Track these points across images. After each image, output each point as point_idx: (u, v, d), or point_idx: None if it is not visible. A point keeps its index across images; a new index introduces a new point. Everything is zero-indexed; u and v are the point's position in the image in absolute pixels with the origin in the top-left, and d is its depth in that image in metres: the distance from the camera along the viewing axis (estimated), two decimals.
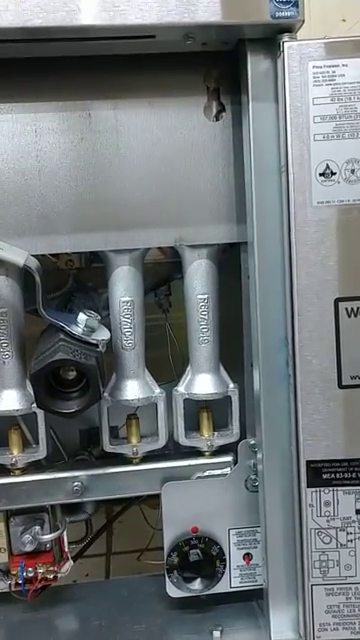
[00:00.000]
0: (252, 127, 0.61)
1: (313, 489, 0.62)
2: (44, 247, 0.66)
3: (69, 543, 0.78)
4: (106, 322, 0.70)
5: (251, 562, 0.73)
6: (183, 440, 0.72)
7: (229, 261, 0.71)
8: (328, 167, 0.58)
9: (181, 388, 0.72)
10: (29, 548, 0.72)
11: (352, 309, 0.60)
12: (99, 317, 0.66)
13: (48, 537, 0.72)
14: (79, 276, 0.77)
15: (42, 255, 0.67)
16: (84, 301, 0.76)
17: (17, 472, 0.71)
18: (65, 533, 0.76)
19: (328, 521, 0.62)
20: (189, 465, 0.73)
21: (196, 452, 0.74)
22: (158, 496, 0.72)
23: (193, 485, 0.72)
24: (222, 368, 0.73)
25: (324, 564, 0.62)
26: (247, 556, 0.73)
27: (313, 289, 0.60)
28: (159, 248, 0.73)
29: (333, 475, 0.61)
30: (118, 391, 0.71)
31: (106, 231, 0.67)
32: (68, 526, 0.77)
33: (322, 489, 0.62)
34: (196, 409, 0.74)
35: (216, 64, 0.65)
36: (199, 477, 0.72)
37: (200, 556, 0.71)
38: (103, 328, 0.67)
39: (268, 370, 0.65)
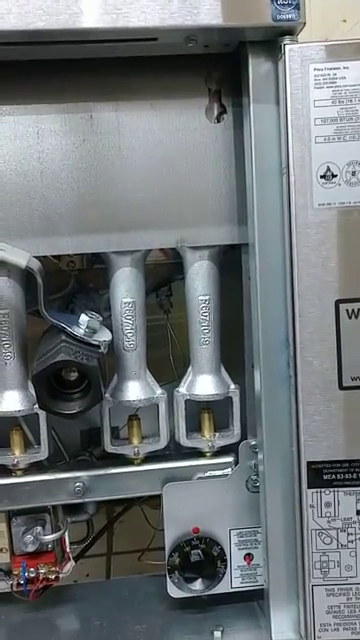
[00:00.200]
0: (253, 129, 0.61)
1: (314, 490, 0.62)
2: (46, 249, 0.67)
3: (70, 543, 0.79)
4: (107, 323, 0.70)
5: (252, 562, 0.73)
6: (184, 441, 0.73)
7: (230, 262, 0.72)
8: (329, 169, 0.58)
9: (182, 389, 0.72)
10: (31, 548, 0.72)
11: (353, 310, 0.61)
12: (101, 318, 0.66)
13: (50, 537, 0.72)
14: (80, 277, 0.77)
15: (44, 256, 0.67)
16: (85, 302, 0.76)
17: (19, 473, 0.71)
18: (67, 533, 0.76)
19: (329, 522, 0.62)
20: (190, 466, 0.73)
21: (197, 453, 0.74)
22: (159, 496, 0.72)
23: (194, 486, 0.72)
24: (223, 369, 0.73)
25: (325, 565, 0.63)
26: (248, 556, 0.73)
27: (314, 291, 0.60)
28: (160, 249, 0.73)
29: (334, 476, 0.62)
30: (119, 392, 0.71)
31: (108, 232, 0.67)
32: (69, 526, 0.77)
33: (323, 490, 0.62)
34: (197, 410, 0.74)
35: (217, 66, 0.65)
36: (200, 478, 0.72)
37: (201, 556, 0.71)
38: (105, 329, 0.68)
39: (269, 371, 0.65)
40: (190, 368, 0.73)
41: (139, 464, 0.73)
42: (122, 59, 0.63)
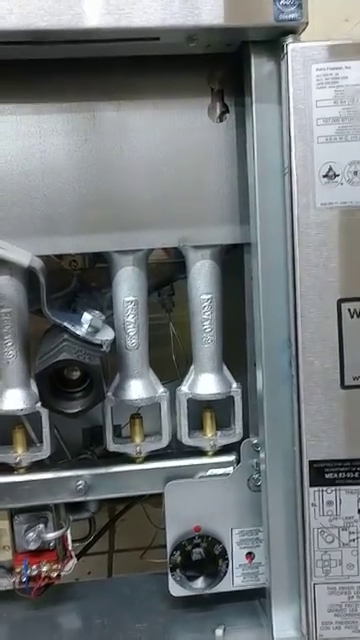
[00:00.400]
0: (255, 129, 0.61)
1: (316, 488, 0.62)
2: (48, 248, 0.67)
3: (72, 541, 0.79)
4: (110, 322, 0.70)
5: (253, 561, 0.73)
6: (186, 440, 0.73)
7: (231, 261, 0.72)
8: (331, 169, 0.58)
9: (184, 388, 0.72)
10: (33, 546, 0.72)
11: (355, 310, 0.61)
12: (103, 317, 0.67)
13: (52, 535, 0.73)
14: (83, 276, 0.78)
15: (46, 256, 0.67)
16: (88, 301, 0.76)
17: (21, 471, 0.71)
18: (69, 531, 0.76)
19: (330, 520, 0.62)
20: (192, 464, 0.73)
21: (199, 451, 0.74)
22: (161, 495, 0.72)
23: (196, 484, 0.72)
24: (225, 368, 0.73)
25: (326, 563, 0.63)
26: (249, 555, 0.73)
27: (316, 290, 0.60)
28: (163, 248, 0.73)
29: (336, 475, 0.62)
30: (122, 391, 0.71)
31: (110, 232, 0.67)
32: (71, 524, 0.77)
33: (325, 489, 0.62)
34: (199, 408, 0.74)
35: (220, 65, 0.65)
36: (202, 476, 0.73)
37: (203, 555, 0.71)
38: (107, 328, 0.68)
39: (271, 370, 0.65)
40: (192, 367, 0.73)
41: (141, 462, 0.73)
42: (124, 58, 0.63)
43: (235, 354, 0.73)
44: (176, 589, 0.73)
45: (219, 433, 0.74)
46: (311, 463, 0.62)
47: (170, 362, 0.81)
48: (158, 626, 0.73)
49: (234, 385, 0.73)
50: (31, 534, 0.72)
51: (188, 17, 0.56)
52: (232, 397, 0.73)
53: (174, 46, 0.60)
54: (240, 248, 0.70)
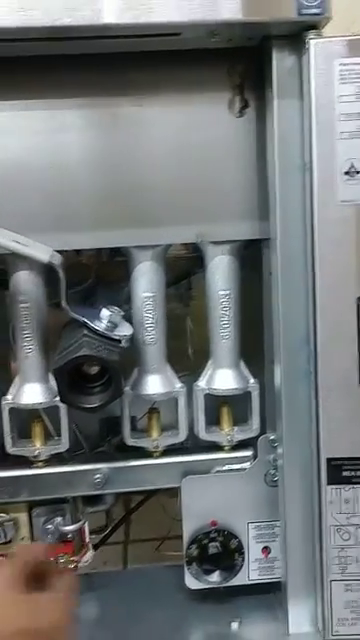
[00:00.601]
0: (276, 124, 0.61)
1: (333, 486, 0.62)
2: (66, 243, 0.67)
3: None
4: (127, 315, 0.70)
5: (269, 555, 0.73)
6: (203, 435, 0.73)
7: (249, 256, 0.71)
8: (353, 166, 0.58)
9: (202, 383, 0.73)
10: (51, 539, 0.73)
11: None
12: (122, 312, 0.67)
13: (70, 529, 0.73)
14: (100, 270, 0.78)
15: (65, 250, 0.67)
16: (105, 295, 0.77)
17: (39, 464, 0.72)
18: (86, 524, 0.77)
19: (348, 518, 0.62)
20: (209, 459, 0.73)
21: (215, 446, 0.74)
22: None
23: (212, 479, 0.72)
24: (243, 363, 0.73)
25: (343, 560, 0.63)
26: (265, 549, 0.73)
27: (335, 288, 0.60)
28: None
29: (353, 472, 0.62)
30: (140, 385, 0.71)
31: (129, 227, 0.67)
32: (87, 515, 0.78)
33: (342, 486, 0.62)
34: (216, 403, 0.75)
35: (240, 59, 0.64)
36: (219, 471, 0.73)
37: (219, 549, 0.72)
38: (125, 323, 0.68)
39: (289, 367, 0.65)
40: (210, 362, 0.73)
41: (158, 457, 0.73)
42: (143, 53, 0.63)
43: (250, 347, 0.73)
44: (192, 582, 0.73)
45: (236, 428, 0.74)
46: (329, 461, 0.62)
47: (182, 353, 0.81)
48: (174, 618, 0.74)
49: (251, 381, 0.73)
50: (49, 526, 0.73)
51: (209, 12, 0.55)
52: (249, 392, 0.73)
53: (195, 41, 0.60)
54: (258, 243, 0.70)
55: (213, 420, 0.74)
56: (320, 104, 0.57)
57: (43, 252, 0.64)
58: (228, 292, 0.71)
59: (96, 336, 0.64)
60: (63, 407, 0.70)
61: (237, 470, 0.73)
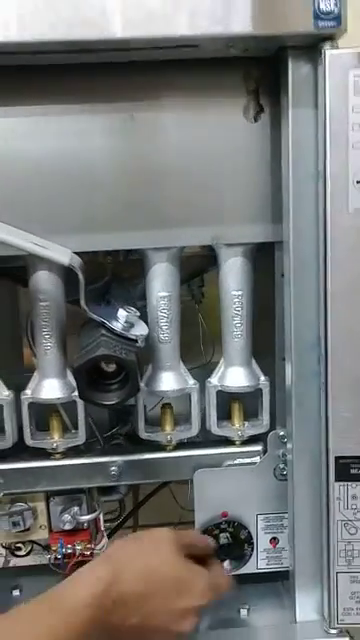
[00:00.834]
0: (291, 133, 0.62)
1: (341, 483, 0.65)
2: (85, 245, 0.68)
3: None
4: (142, 312, 0.72)
5: (277, 546, 0.76)
6: (215, 429, 0.75)
7: (262, 257, 0.73)
8: None
9: (214, 380, 0.75)
10: (68, 527, 0.76)
11: None
12: (138, 313, 0.69)
13: (87, 518, 0.76)
14: (116, 268, 0.80)
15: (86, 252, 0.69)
16: (120, 292, 0.79)
17: (57, 456, 0.75)
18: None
19: (355, 513, 0.65)
20: (220, 453, 0.76)
21: (227, 440, 0.77)
22: None
23: (224, 472, 0.75)
24: (254, 361, 0.75)
25: (349, 553, 0.66)
26: (274, 540, 0.76)
27: (346, 293, 0.62)
28: None
29: None
30: (154, 382, 0.74)
31: (146, 230, 0.69)
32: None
33: (350, 484, 0.64)
34: (227, 399, 0.77)
35: (256, 66, 0.66)
36: (229, 465, 0.75)
37: (229, 539, 0.74)
38: (141, 323, 0.70)
39: (300, 366, 0.67)
40: (222, 360, 0.75)
41: (171, 450, 0.76)
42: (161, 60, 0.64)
43: (259, 343, 0.75)
44: None
45: (246, 424, 0.77)
46: (337, 459, 0.64)
47: (192, 345, 0.83)
48: None
49: (262, 378, 0.75)
50: (66, 515, 0.76)
51: (228, 26, 0.56)
52: (260, 390, 0.75)
53: (213, 51, 0.61)
54: (271, 245, 0.72)
55: (224, 415, 0.77)
56: (334, 114, 0.59)
57: (63, 255, 0.66)
58: (241, 292, 0.73)
59: (114, 336, 0.67)
60: (80, 402, 0.73)
61: (247, 464, 0.75)
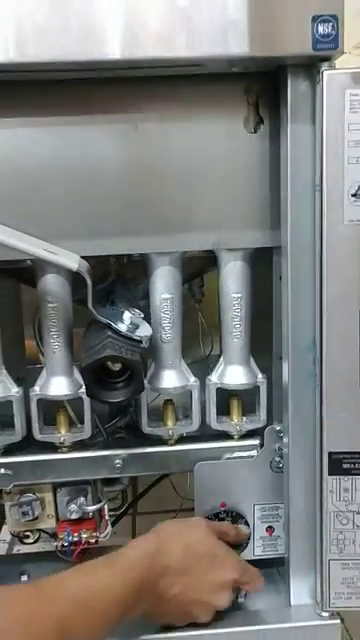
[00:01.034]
0: (290, 147, 0.65)
1: (334, 477, 0.69)
2: (91, 249, 0.71)
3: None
4: (144, 312, 0.75)
5: (273, 534, 0.80)
6: (215, 425, 0.79)
7: (261, 260, 0.76)
8: (359, 188, 0.63)
9: (214, 378, 0.78)
10: (75, 516, 0.80)
11: None
12: (142, 315, 0.72)
13: (92, 508, 0.80)
14: (119, 269, 0.83)
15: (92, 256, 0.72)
16: (124, 292, 0.82)
17: (64, 450, 0.78)
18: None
19: (346, 505, 0.69)
20: (219, 447, 0.80)
21: (225, 435, 0.80)
22: None
23: (223, 465, 0.78)
24: (252, 360, 0.79)
25: (341, 542, 0.70)
26: (270, 529, 0.80)
27: (341, 299, 0.65)
28: None
29: (352, 465, 0.68)
30: (157, 380, 0.77)
31: (149, 235, 0.72)
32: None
33: (342, 477, 0.69)
34: (226, 395, 0.80)
35: (257, 79, 0.68)
36: (228, 458, 0.79)
37: None
38: (145, 324, 0.73)
39: (296, 366, 0.71)
40: (221, 359, 0.79)
41: (173, 444, 0.80)
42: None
43: (257, 339, 0.79)
44: None
45: (245, 419, 0.80)
46: (330, 454, 0.68)
47: (191, 339, 0.87)
48: None
49: (259, 376, 0.79)
50: (73, 505, 0.80)
51: (228, 48, 0.59)
52: (258, 387, 0.79)
53: (215, 69, 0.64)
54: (270, 249, 0.75)
55: (223, 411, 0.80)
56: (331, 131, 0.62)
57: (72, 260, 0.69)
58: (240, 295, 0.76)
59: (119, 337, 0.70)
60: (86, 399, 0.76)
61: (245, 457, 0.79)
